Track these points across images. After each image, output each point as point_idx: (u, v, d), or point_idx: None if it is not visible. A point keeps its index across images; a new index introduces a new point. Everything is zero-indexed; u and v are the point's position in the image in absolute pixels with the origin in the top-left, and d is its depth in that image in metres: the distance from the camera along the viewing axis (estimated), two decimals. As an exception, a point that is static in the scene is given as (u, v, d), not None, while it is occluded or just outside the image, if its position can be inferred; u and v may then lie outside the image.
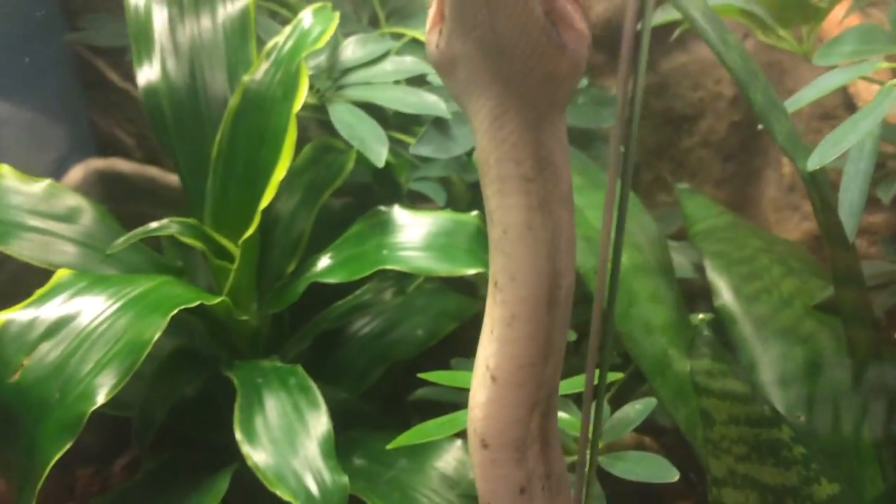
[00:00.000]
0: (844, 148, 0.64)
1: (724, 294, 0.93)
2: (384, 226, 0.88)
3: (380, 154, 0.88)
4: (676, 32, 1.01)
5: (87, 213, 0.88)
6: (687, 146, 1.27)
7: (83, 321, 0.72)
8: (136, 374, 0.69)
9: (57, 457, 0.66)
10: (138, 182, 1.19)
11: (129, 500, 0.85)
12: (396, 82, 0.96)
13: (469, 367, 0.63)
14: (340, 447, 0.73)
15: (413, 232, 0.87)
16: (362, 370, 0.96)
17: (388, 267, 0.82)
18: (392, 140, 0.94)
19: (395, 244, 0.85)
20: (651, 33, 0.95)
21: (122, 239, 0.83)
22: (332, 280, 0.85)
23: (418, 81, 0.99)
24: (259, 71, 0.89)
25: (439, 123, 0.93)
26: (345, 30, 1.03)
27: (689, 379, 0.68)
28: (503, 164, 0.43)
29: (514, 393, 0.46)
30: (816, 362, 0.87)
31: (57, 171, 1.13)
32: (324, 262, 0.88)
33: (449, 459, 0.82)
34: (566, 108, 0.44)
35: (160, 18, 0.91)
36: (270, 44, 0.91)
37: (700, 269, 0.97)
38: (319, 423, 0.74)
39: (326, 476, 0.70)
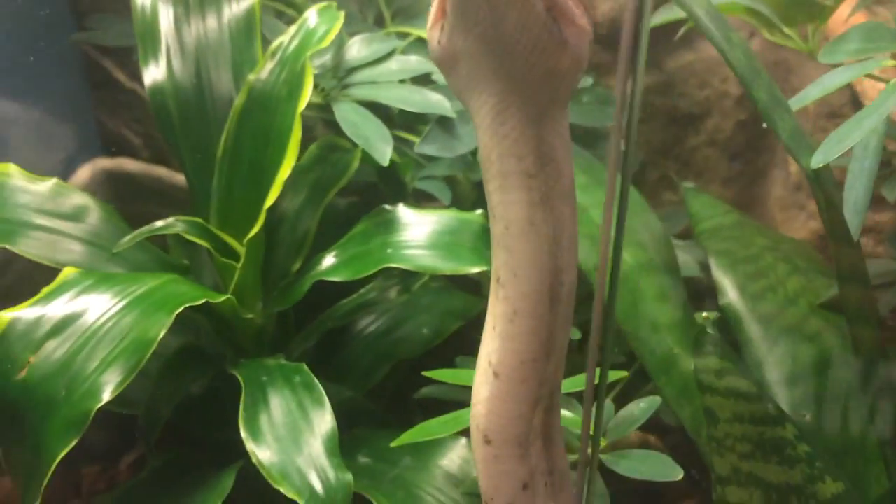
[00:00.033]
0: (848, 145, 0.64)
1: (730, 292, 0.93)
2: (389, 224, 0.88)
3: (384, 153, 0.88)
4: (681, 31, 1.01)
5: (94, 211, 0.89)
6: (693, 145, 1.27)
7: (89, 319, 0.72)
8: (141, 372, 0.69)
9: (62, 454, 0.67)
10: (145, 182, 1.20)
11: (134, 498, 0.85)
12: (401, 81, 0.96)
13: (474, 366, 0.63)
14: (345, 445, 0.73)
15: (418, 230, 0.87)
16: (367, 368, 0.96)
17: (393, 265, 0.83)
18: (397, 139, 0.94)
19: (400, 243, 0.85)
20: (657, 32, 0.96)
21: (127, 237, 0.83)
22: (336, 278, 0.85)
23: (423, 80, 0.99)
24: (264, 70, 0.90)
25: (444, 122, 0.93)
26: (350, 29, 1.03)
27: (694, 377, 0.68)
28: (505, 160, 0.43)
29: (516, 389, 0.46)
30: (822, 361, 0.87)
31: (64, 171, 1.14)
32: (329, 260, 0.88)
33: (453, 458, 0.82)
34: (568, 104, 0.44)
35: (166, 18, 0.92)
36: (275, 43, 0.91)
37: (706, 267, 0.97)
38: (324, 420, 0.74)
39: (330, 474, 0.70)
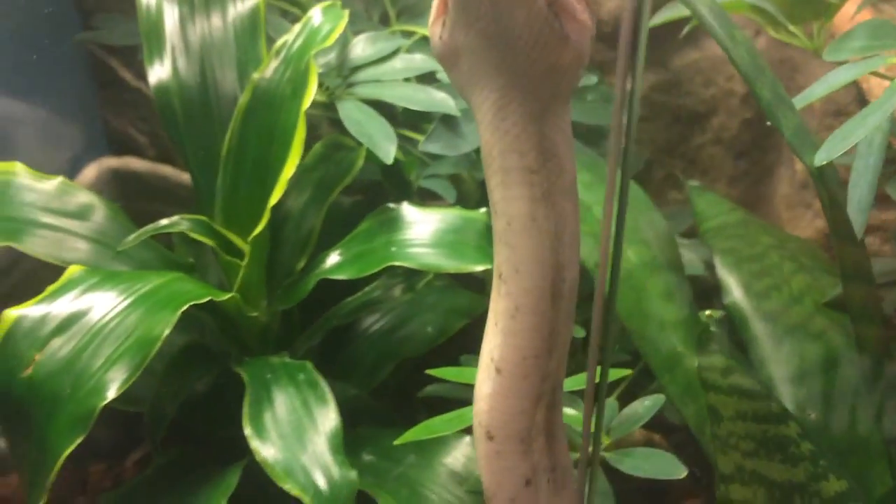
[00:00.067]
0: (852, 143, 0.64)
1: (735, 291, 0.93)
2: (393, 223, 0.88)
3: (388, 151, 0.88)
4: (686, 29, 1.00)
5: (100, 210, 0.89)
6: (699, 143, 1.27)
7: (94, 317, 0.73)
8: (146, 370, 0.70)
9: (68, 451, 0.67)
10: (151, 181, 1.20)
11: (140, 495, 0.86)
12: (406, 80, 0.96)
13: (478, 364, 0.63)
14: (349, 443, 0.73)
15: (422, 229, 0.87)
16: (371, 367, 0.96)
17: (397, 263, 0.83)
18: (401, 137, 0.94)
19: (404, 241, 0.86)
20: (662, 30, 0.96)
21: (133, 236, 0.83)
22: (341, 276, 0.85)
23: (428, 79, 0.99)
24: (269, 69, 0.90)
25: (448, 120, 0.93)
26: (355, 27, 1.03)
27: (697, 375, 0.68)
28: (506, 155, 0.43)
29: (518, 384, 0.46)
30: (828, 359, 0.86)
31: (71, 170, 1.14)
32: (333, 258, 0.88)
33: (457, 456, 0.83)
34: (570, 99, 0.44)
35: (171, 17, 0.92)
36: (280, 42, 0.92)
37: (711, 266, 0.97)
38: (328, 418, 0.74)
39: (335, 471, 0.71)
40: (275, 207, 0.84)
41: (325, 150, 0.97)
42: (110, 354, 0.70)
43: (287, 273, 0.93)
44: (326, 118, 1.01)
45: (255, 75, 0.90)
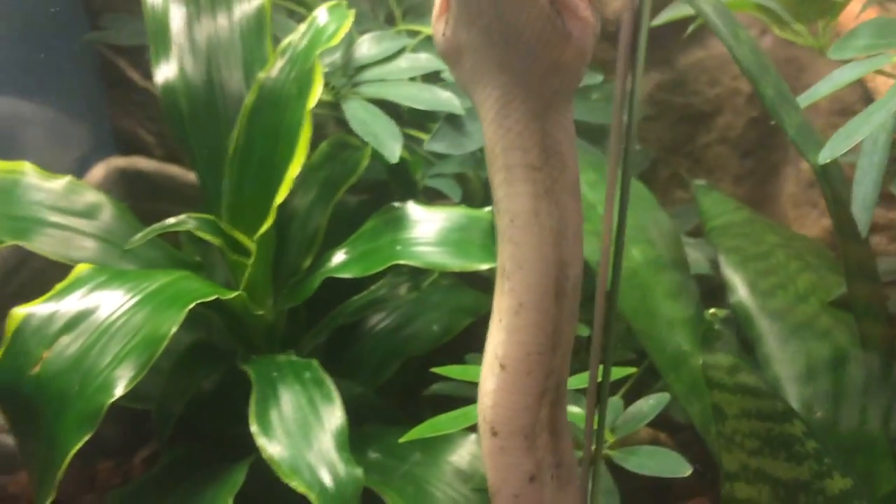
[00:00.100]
0: (856, 140, 0.64)
1: (740, 289, 0.93)
2: (398, 221, 0.89)
3: (394, 150, 0.88)
4: (691, 28, 1.00)
5: (107, 209, 0.90)
6: (704, 142, 1.27)
7: (102, 315, 0.73)
8: (154, 368, 0.70)
9: (76, 448, 0.67)
10: (159, 180, 1.21)
11: (147, 493, 0.86)
12: (411, 79, 0.97)
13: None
14: (355, 441, 0.74)
15: (427, 227, 0.87)
16: (377, 365, 0.96)
17: (402, 262, 0.83)
18: (407, 137, 0.95)
19: (409, 240, 0.86)
20: (667, 29, 0.96)
21: (140, 234, 0.84)
22: (346, 275, 0.85)
23: (433, 78, 1.00)
24: (274, 68, 0.90)
25: (453, 119, 0.93)
26: (360, 27, 1.04)
27: (702, 374, 0.68)
28: (509, 152, 0.43)
29: (522, 381, 0.47)
30: (834, 357, 0.86)
31: (79, 170, 1.15)
32: (339, 257, 0.89)
33: (462, 454, 0.83)
34: (572, 97, 0.45)
35: (177, 17, 0.93)
36: (286, 41, 0.92)
37: (716, 265, 0.97)
38: (334, 416, 0.75)
39: (340, 468, 0.71)
40: (281, 206, 0.85)
41: (331, 150, 0.98)
42: (118, 352, 0.71)
43: (293, 271, 0.93)
44: (332, 117, 1.01)
45: (261, 75, 0.90)
